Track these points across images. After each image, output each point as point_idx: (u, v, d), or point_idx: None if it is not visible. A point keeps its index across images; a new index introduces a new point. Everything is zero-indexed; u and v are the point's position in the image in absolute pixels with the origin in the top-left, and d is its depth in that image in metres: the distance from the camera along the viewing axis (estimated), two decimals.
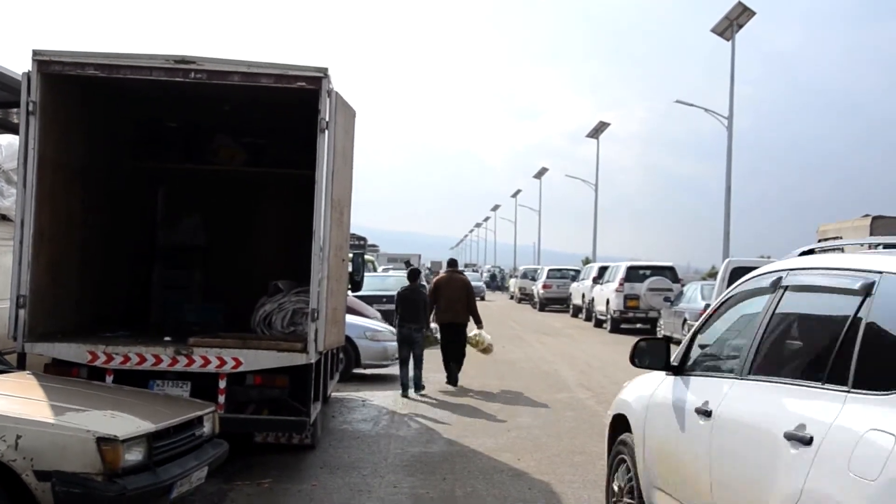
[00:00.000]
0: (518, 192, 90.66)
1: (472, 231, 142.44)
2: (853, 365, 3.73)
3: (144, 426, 5.65)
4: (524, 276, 51.26)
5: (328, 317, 8.18)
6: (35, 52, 7.74)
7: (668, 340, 6.12)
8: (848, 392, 3.67)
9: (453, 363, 14.39)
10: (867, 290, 3.86)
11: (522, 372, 16.64)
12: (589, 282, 32.08)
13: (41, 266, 7.92)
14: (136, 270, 10.98)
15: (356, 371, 14.44)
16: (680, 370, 5.51)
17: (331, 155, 8.07)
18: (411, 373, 13.42)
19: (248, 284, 10.18)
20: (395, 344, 14.43)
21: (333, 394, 12.06)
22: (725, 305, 5.45)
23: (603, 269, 30.99)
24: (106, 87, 8.76)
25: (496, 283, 73.24)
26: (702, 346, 5.59)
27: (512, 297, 53.72)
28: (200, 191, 11.45)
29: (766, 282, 4.84)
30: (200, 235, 11.48)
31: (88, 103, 8.97)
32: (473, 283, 23.22)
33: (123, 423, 5.60)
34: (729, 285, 17.78)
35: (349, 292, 12.18)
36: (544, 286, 41.07)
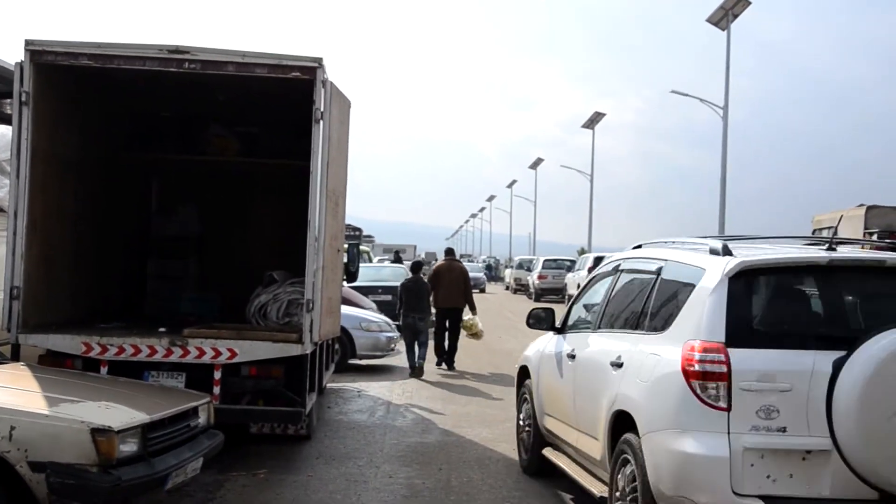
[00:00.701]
0: (513, 182, 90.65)
1: (467, 221, 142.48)
2: (647, 319, 6.02)
3: (139, 417, 5.64)
4: (519, 266, 51.22)
5: (323, 307, 8.17)
6: (27, 42, 7.69)
7: (553, 310, 8.07)
8: (643, 335, 5.96)
9: (449, 346, 15.35)
10: (658, 272, 6.18)
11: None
12: (584, 272, 32.09)
13: (35, 257, 7.90)
14: (131, 261, 10.96)
15: (351, 362, 14.44)
16: (561, 330, 7.69)
17: (326, 145, 8.04)
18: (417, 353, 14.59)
19: (244, 275, 10.16)
20: (390, 335, 14.73)
21: (329, 384, 12.06)
22: (589, 284, 7.75)
23: (598, 260, 31.00)
24: (99, 78, 8.71)
25: (491, 273, 73.29)
26: (575, 313, 7.74)
27: (507, 288, 53.73)
28: (195, 181, 11.42)
29: (611, 267, 7.30)
30: (195, 226, 11.46)
31: (81, 94, 8.93)
32: (473, 274, 24.24)
33: (118, 414, 5.58)
34: None
35: (344, 283, 12.19)
36: (540, 276, 41.05)
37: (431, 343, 15.50)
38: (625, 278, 6.86)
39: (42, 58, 7.76)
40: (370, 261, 29.80)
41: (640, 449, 5.43)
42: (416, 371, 14.36)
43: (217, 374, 7.84)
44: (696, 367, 5.12)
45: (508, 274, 55.63)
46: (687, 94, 36.00)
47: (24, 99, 7.64)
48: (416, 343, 14.58)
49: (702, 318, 5.29)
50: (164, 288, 11.01)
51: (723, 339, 5.14)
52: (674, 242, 6.56)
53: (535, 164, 76.26)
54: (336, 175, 8.66)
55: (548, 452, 7.66)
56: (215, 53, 7.95)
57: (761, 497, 4.96)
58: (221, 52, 7.98)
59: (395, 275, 22.28)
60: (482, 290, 40.42)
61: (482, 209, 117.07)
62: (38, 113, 7.82)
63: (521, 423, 8.45)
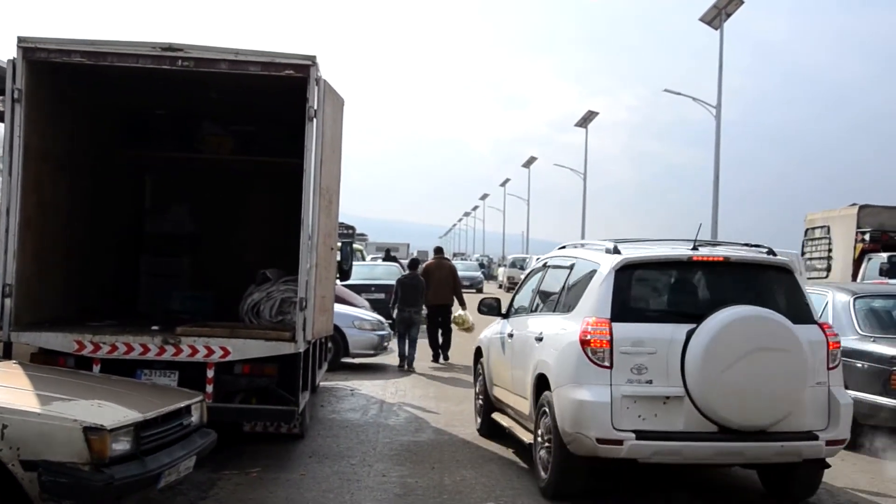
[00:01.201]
0: (507, 180, 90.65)
1: (460, 220, 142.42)
2: (561, 303, 7.83)
3: (132, 415, 5.62)
4: (512, 264, 51.26)
5: (316, 306, 8.16)
6: (20, 39, 7.67)
7: (500, 300, 9.72)
8: (558, 315, 7.66)
9: (443, 341, 16.29)
10: (570, 267, 7.98)
11: None
12: None
13: (27, 255, 7.88)
14: (124, 259, 10.93)
15: (345, 360, 14.44)
16: (507, 315, 9.36)
17: (319, 143, 8.04)
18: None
19: (237, 273, 10.14)
20: (383, 333, 14.80)
21: (322, 383, 12.05)
22: (527, 277, 9.51)
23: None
24: (92, 75, 8.69)
25: (483, 271, 73.26)
26: (517, 301, 9.44)
27: (500, 286, 53.78)
28: (188, 179, 11.40)
29: (540, 264, 9.14)
30: (188, 224, 11.43)
31: (75, 91, 8.91)
32: (470, 273, 25.39)
33: (111, 412, 5.57)
34: None
35: (338, 281, 12.16)
36: None
37: (422, 342, 15.96)
38: (550, 272, 8.69)
39: (35, 55, 7.73)
40: (363, 259, 29.79)
41: (552, 401, 7.07)
42: (405, 361, 15.13)
43: (210, 373, 7.83)
44: (589, 338, 6.83)
45: (502, 272, 55.82)
46: (680, 93, 36.05)
47: (16, 96, 7.62)
48: (408, 336, 15.22)
49: (595, 301, 7.06)
50: (157, 286, 10.98)
51: (608, 317, 6.88)
52: (584, 245, 8.34)
53: (529, 163, 76.31)
54: (329, 173, 8.65)
55: (495, 415, 9.28)
56: (208, 51, 7.94)
57: (634, 431, 6.61)
58: (214, 50, 7.96)
59: (388, 273, 22.28)
60: (479, 290, 40.72)
61: (475, 207, 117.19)
62: (31, 110, 7.79)
63: (476, 393, 10.17)
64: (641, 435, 6.59)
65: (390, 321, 15.85)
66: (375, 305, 17.85)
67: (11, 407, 5.35)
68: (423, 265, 16.90)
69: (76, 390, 6.02)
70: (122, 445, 5.43)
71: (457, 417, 10.67)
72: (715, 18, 32.95)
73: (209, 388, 7.75)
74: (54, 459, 5.18)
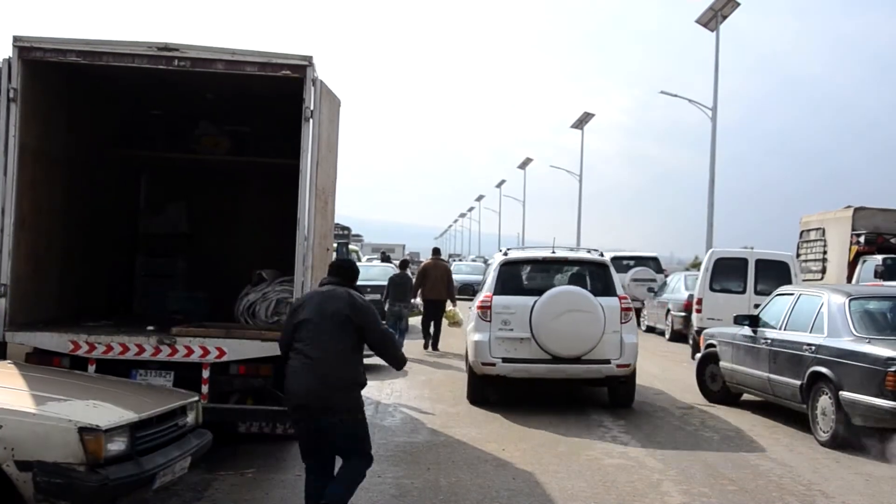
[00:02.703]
0: (502, 182, 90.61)
1: (456, 221, 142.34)
2: (481, 287, 13.02)
3: (127, 416, 5.62)
4: (488, 268, 51.01)
5: None
6: (15, 38, 7.65)
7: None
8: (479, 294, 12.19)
9: (434, 331, 18.22)
10: (488, 264, 17.94)
11: None
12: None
13: (22, 255, 7.86)
14: (119, 259, 10.91)
15: None
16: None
17: (315, 144, 8.03)
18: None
19: (232, 273, 10.12)
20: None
21: None
22: (501, 273, 11.85)
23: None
24: (88, 75, 8.67)
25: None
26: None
27: None
28: (184, 179, 11.37)
29: (495, 264, 12.19)
30: (184, 224, 11.40)
31: (70, 90, 8.89)
32: (475, 277, 28.25)
33: (106, 412, 5.56)
34: (712, 275, 18.07)
35: None
36: None
37: (409, 341, 16.87)
38: (504, 269, 11.85)
39: (30, 54, 7.72)
40: (359, 260, 29.74)
41: (467, 341, 11.70)
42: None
43: (205, 373, 7.82)
44: (481, 305, 11.28)
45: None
46: (676, 95, 36.09)
47: (11, 95, 7.60)
48: (397, 328, 16.74)
49: (489, 284, 11.66)
50: (153, 286, 10.95)
51: (492, 293, 11.33)
52: (502, 250, 12.55)
53: (524, 164, 76.28)
54: (325, 174, 8.64)
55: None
56: (205, 51, 7.92)
57: (502, 359, 10.97)
58: (211, 50, 7.95)
59: (383, 274, 22.29)
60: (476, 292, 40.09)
61: (471, 209, 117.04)
62: (27, 110, 7.78)
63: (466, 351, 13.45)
64: (506, 360, 11.02)
65: (384, 321, 16.04)
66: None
67: (6, 407, 5.34)
68: (422, 264, 18.91)
69: (71, 390, 6.01)
70: (117, 446, 5.42)
71: (452, 419, 10.66)
72: (711, 20, 33.01)
73: (204, 389, 7.74)
74: (49, 460, 5.17)
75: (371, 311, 6.17)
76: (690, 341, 18.42)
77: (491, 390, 11.65)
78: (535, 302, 10.83)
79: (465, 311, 15.97)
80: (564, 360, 10.84)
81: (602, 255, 12.33)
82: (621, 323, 11.04)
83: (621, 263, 27.76)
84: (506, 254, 12.12)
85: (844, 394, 9.12)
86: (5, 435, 5.15)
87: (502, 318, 10.99)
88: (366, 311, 6.12)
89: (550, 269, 12.61)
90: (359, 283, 6.49)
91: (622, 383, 11.42)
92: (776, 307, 11.27)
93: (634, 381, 11.59)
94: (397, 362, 6.62)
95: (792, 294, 11.24)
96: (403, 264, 19.53)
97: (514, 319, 10.97)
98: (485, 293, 11.45)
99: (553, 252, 12.19)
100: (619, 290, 11.48)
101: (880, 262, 17.58)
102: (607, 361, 10.90)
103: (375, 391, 12.64)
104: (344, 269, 6.48)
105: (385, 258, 30.27)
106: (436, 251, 19.27)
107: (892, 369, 8.64)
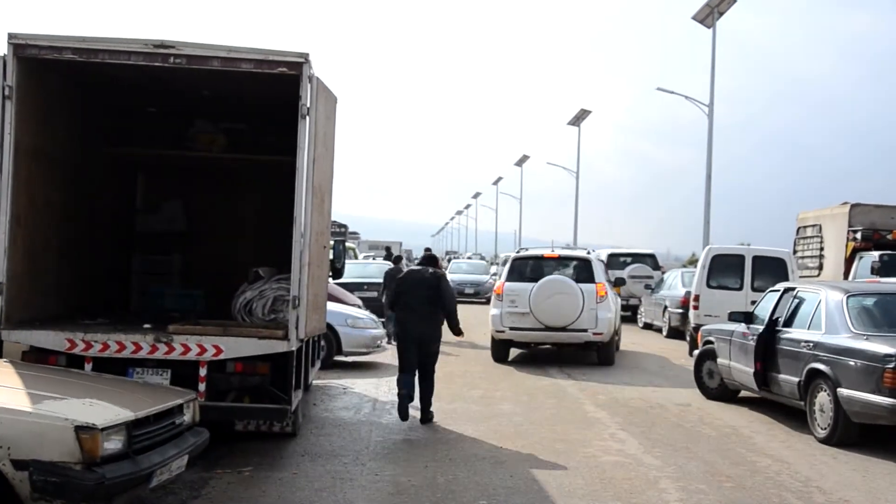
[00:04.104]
0: (499, 179, 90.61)
1: (452, 218, 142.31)
2: (499, 278, 17.76)
3: (124, 414, 5.60)
4: (504, 263, 51.17)
5: (309, 304, 8.14)
6: (11, 36, 7.62)
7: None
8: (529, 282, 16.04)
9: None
10: (505, 260, 25.75)
11: None
12: None
13: (18, 253, 7.83)
14: (116, 257, 10.89)
15: (337, 359, 14.41)
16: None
17: (312, 141, 8.01)
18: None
19: (229, 271, 10.11)
20: (376, 331, 14.78)
21: (315, 381, 12.02)
22: (512, 266, 16.49)
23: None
24: (84, 72, 8.64)
25: None
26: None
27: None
28: (180, 177, 11.36)
29: (508, 260, 17.67)
30: (180, 222, 11.39)
31: (66, 88, 8.87)
32: (477, 277, 36.51)
33: (102, 411, 5.54)
34: (709, 272, 18.15)
35: (330, 279, 12.12)
36: None
37: None
38: (515, 264, 16.54)
39: (26, 51, 7.68)
40: (356, 257, 29.70)
41: (489, 314, 16.02)
42: (392, 338, 16.20)
43: (202, 371, 7.80)
44: (498, 290, 15.88)
45: (494, 270, 55.78)
46: (672, 92, 36.08)
47: (7, 93, 7.57)
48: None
49: (505, 274, 16.22)
50: (149, 283, 10.94)
51: (505, 281, 15.88)
52: (517, 250, 18.41)
53: (521, 161, 76.27)
54: (322, 171, 8.62)
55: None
56: (201, 48, 7.90)
57: (509, 328, 15.51)
58: (207, 47, 7.92)
59: (380, 271, 22.29)
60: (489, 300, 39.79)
61: (468, 206, 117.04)
62: (22, 107, 7.74)
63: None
64: (512, 329, 15.51)
65: (382, 320, 15.93)
66: (368, 303, 17.82)
67: (2, 406, 5.32)
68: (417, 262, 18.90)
69: (68, 389, 5.99)
70: (113, 444, 5.41)
71: (449, 416, 10.65)
72: (707, 17, 33.00)
73: (201, 387, 7.72)
74: (45, 459, 5.16)
75: (445, 282, 10.25)
76: (688, 338, 18.44)
77: (506, 353, 16.17)
78: (533, 287, 15.24)
79: (468, 317, 16.40)
80: (554, 329, 15.25)
81: (589, 253, 17.30)
82: (597, 303, 15.27)
83: (618, 260, 27.79)
84: (518, 252, 17.70)
85: (842, 390, 9.12)
86: (1, 433, 5.13)
87: (510, 299, 15.48)
88: (441, 281, 10.20)
89: (548, 264, 16.51)
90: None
91: (601, 347, 15.63)
92: (771, 304, 11.26)
93: (612, 345, 16.08)
94: (456, 328, 10.42)
95: (788, 290, 11.22)
96: (397, 259, 21.85)
97: (518, 299, 15.35)
98: (500, 281, 16.25)
99: (552, 250, 17.07)
100: (600, 279, 15.72)
101: (877, 259, 17.58)
102: (585, 330, 15.21)
103: (373, 388, 12.64)
104: (427, 258, 11.47)
105: (390, 255, 30.02)
106: (428, 252, 17.18)
107: (890, 366, 8.65)
